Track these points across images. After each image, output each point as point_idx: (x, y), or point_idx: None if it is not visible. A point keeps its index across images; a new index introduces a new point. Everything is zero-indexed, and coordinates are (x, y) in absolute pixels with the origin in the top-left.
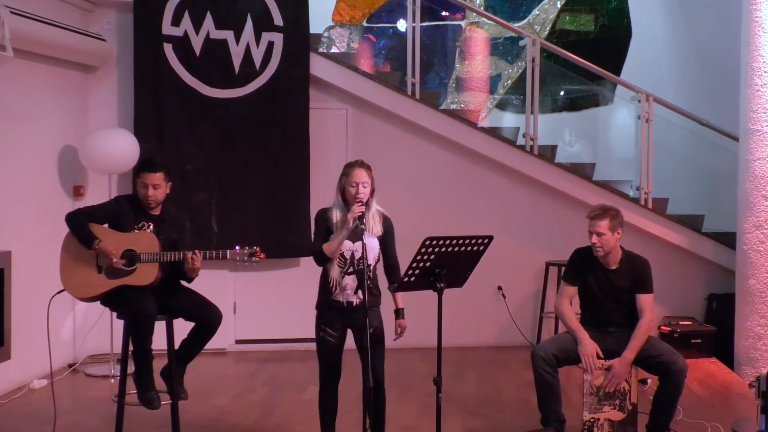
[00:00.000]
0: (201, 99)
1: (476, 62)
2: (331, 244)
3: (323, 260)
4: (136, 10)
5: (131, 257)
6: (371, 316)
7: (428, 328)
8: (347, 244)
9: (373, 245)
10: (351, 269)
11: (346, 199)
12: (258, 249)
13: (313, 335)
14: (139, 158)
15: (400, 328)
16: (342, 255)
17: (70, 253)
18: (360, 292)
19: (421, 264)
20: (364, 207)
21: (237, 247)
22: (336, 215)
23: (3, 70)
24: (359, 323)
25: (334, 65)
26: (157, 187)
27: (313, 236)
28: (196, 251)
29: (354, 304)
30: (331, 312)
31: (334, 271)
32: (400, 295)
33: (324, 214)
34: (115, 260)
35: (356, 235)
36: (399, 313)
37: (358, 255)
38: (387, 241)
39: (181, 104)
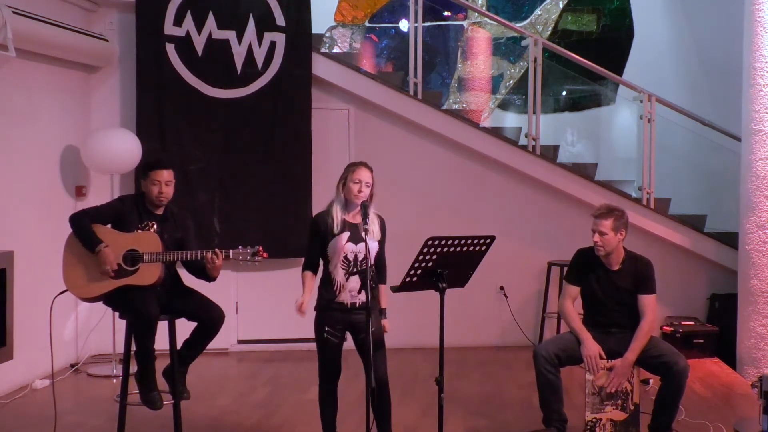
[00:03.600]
0: (203, 99)
1: (478, 62)
2: (303, 289)
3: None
4: (139, 10)
5: (134, 257)
6: (373, 317)
7: (430, 328)
8: (350, 246)
9: (373, 248)
10: (355, 270)
11: (347, 198)
12: (261, 248)
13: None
14: (142, 158)
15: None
16: (345, 257)
17: (73, 253)
18: (363, 293)
19: (423, 264)
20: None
21: (240, 247)
22: (336, 211)
23: (5, 70)
24: (360, 324)
25: (336, 65)
26: (169, 184)
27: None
28: (217, 250)
29: (356, 305)
30: (333, 313)
31: (339, 274)
32: (384, 295)
33: (317, 221)
34: (108, 268)
35: (358, 237)
36: (382, 312)
37: (360, 256)
38: (382, 242)
39: (183, 104)
